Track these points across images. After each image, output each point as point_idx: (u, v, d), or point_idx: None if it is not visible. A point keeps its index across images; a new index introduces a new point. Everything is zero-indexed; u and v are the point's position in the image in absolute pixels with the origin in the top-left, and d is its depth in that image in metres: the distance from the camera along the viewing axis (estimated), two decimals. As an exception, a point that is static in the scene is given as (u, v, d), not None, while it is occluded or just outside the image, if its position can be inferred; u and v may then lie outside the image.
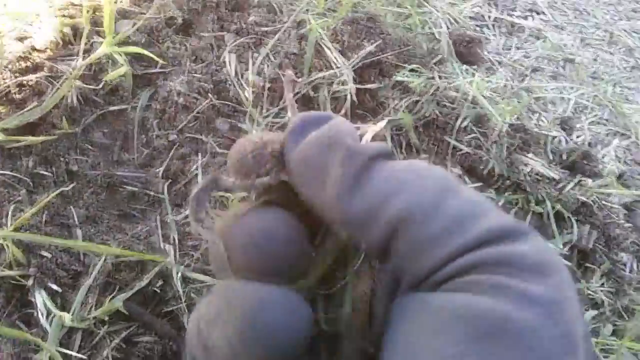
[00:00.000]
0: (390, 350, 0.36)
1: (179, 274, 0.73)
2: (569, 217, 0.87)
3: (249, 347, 0.34)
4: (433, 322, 0.34)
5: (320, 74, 0.88)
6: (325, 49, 0.92)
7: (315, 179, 0.38)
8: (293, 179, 0.40)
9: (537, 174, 0.88)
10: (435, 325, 0.34)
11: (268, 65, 0.92)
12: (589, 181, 0.91)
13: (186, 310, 0.73)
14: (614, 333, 0.77)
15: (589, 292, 0.82)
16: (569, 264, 0.83)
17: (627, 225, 0.90)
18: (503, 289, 0.33)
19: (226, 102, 0.89)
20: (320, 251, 0.43)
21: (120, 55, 0.76)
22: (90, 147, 0.86)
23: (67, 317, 0.66)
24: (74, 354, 0.66)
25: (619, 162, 0.97)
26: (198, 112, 0.88)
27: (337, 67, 0.90)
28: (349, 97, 0.88)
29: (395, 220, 0.37)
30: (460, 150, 0.90)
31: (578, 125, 1.00)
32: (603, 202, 0.90)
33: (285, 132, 0.39)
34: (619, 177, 0.95)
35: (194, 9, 0.99)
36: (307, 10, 0.99)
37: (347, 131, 0.39)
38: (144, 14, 0.98)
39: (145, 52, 0.81)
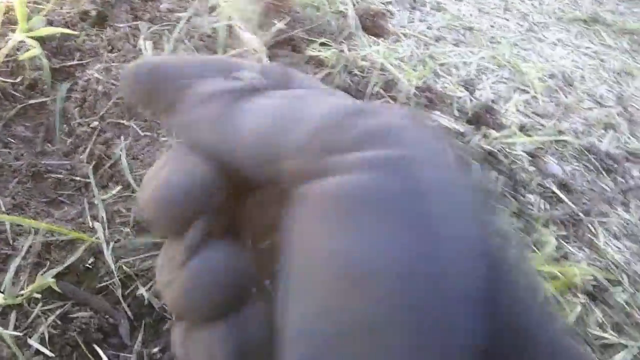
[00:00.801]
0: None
1: (110, 248, 0.75)
2: (476, 165, 0.94)
3: None
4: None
5: (234, 51, 0.92)
6: (238, 29, 0.96)
7: None
8: None
9: (444, 129, 0.95)
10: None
11: (183, 49, 0.95)
12: (493, 132, 0.99)
13: (120, 285, 0.75)
14: (523, 263, 0.84)
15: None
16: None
17: (531, 169, 0.98)
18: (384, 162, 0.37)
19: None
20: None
21: (33, 40, 0.78)
22: (12, 140, 0.87)
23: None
24: (9, 332, 0.67)
25: (521, 114, 1.05)
26: (118, 99, 0.90)
27: (250, 46, 0.94)
28: (263, 72, 0.93)
29: None
30: (373, 114, 0.96)
31: (480, 85, 1.07)
32: (507, 150, 0.97)
33: None
34: (522, 127, 1.03)
35: (107, 2, 1.01)
36: (217, -6, 1.03)
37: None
38: (58, 9, 1.00)
39: (59, 30, 0.83)
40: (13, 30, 0.92)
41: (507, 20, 1.22)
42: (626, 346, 0.83)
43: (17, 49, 0.85)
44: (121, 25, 0.99)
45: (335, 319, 0.27)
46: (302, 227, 0.36)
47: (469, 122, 1.01)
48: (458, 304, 0.23)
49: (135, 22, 1.00)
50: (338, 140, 0.37)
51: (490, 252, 0.26)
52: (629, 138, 1.10)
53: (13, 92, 0.89)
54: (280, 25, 0.97)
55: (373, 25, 1.10)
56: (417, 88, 0.97)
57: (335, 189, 0.36)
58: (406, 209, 0.31)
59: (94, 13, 1.00)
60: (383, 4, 1.16)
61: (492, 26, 1.20)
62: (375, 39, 1.08)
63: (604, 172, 1.04)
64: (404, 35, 1.12)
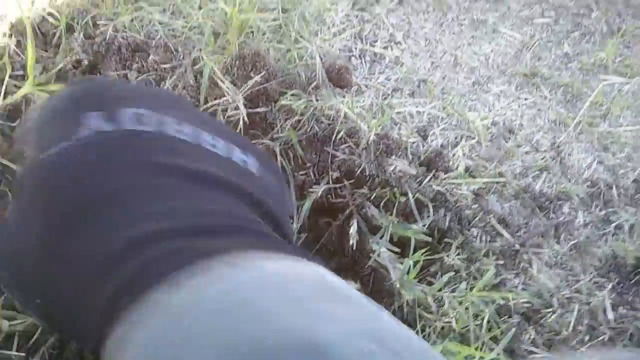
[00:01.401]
0: None
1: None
2: (427, 204, 1.07)
3: None
4: None
5: (215, 101, 1.04)
6: (219, 81, 1.09)
7: None
8: None
9: (400, 172, 1.08)
10: None
11: (170, 97, 1.07)
12: (442, 174, 1.12)
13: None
14: (468, 288, 0.97)
15: (448, 259, 1.02)
16: (429, 239, 1.03)
17: (475, 206, 1.12)
18: None
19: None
20: None
21: (42, 93, 0.89)
22: None
23: None
24: (13, 353, 0.76)
25: (467, 158, 1.19)
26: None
27: (229, 95, 1.06)
28: (241, 120, 1.05)
29: None
30: (337, 157, 1.09)
31: (432, 132, 1.22)
32: (454, 190, 1.11)
33: None
34: (467, 170, 1.17)
35: (98, 52, 1.12)
36: (200, 49, 1.15)
37: None
38: (52, 57, 1.11)
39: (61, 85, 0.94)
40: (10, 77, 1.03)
41: (457, 73, 1.38)
42: (554, 360, 0.96)
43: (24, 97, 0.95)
44: (111, 73, 1.10)
45: None
46: None
47: (421, 164, 1.15)
48: None
49: (124, 71, 1.11)
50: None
51: None
52: (559, 179, 1.26)
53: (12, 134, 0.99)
54: (256, 77, 1.10)
55: (338, 77, 1.23)
56: (376, 135, 1.11)
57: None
58: None
59: (85, 62, 1.11)
60: (347, 57, 1.30)
61: (443, 78, 1.35)
62: (340, 90, 1.21)
63: (538, 209, 1.18)
64: (366, 86, 1.26)
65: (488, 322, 0.94)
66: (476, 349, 0.87)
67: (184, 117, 0.53)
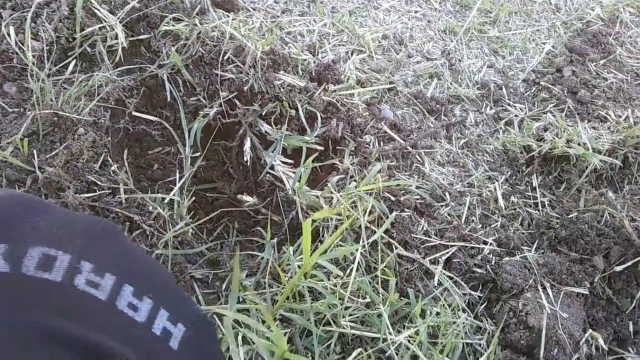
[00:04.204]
0: None
1: None
2: (318, 115, 1.09)
3: None
4: None
5: (91, 29, 1.02)
6: (95, 10, 1.06)
7: None
8: None
9: (289, 86, 1.09)
10: None
11: (45, 31, 1.04)
12: (332, 86, 1.14)
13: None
14: (356, 188, 1.00)
15: (340, 165, 1.05)
16: (321, 148, 1.05)
17: (366, 114, 1.15)
18: None
19: (11, 67, 1.00)
20: None
21: None
22: None
23: None
24: None
25: (358, 71, 1.21)
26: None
27: (106, 22, 1.04)
28: (120, 48, 1.03)
29: None
30: (226, 77, 1.09)
31: (323, 49, 1.23)
32: (345, 100, 1.14)
33: None
34: (359, 82, 1.20)
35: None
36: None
37: None
38: None
39: None
40: None
41: (346, -9, 1.39)
42: (447, 246, 1.01)
43: None
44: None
45: None
46: None
47: (312, 79, 1.16)
48: None
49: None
50: None
51: None
52: (451, 84, 1.30)
53: None
54: (134, 3, 1.07)
55: (224, 1, 1.22)
56: (263, 52, 1.11)
57: None
58: None
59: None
60: (233, -18, 1.28)
61: (332, -3, 1.36)
62: (227, 13, 1.20)
63: (429, 113, 1.23)
64: (254, 9, 1.26)
65: (379, 217, 0.98)
66: (356, 240, 0.91)
67: (113, 263, 0.49)
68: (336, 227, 0.97)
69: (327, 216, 0.78)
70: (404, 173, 1.10)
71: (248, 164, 1.05)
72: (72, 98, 0.96)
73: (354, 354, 0.79)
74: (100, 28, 1.04)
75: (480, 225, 1.09)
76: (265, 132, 1.07)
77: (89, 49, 1.05)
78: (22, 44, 1.01)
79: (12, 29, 1.03)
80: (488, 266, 1.03)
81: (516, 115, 1.29)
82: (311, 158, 1.00)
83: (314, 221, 0.98)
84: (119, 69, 1.04)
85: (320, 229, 0.97)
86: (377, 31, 1.31)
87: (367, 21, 1.34)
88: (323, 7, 1.31)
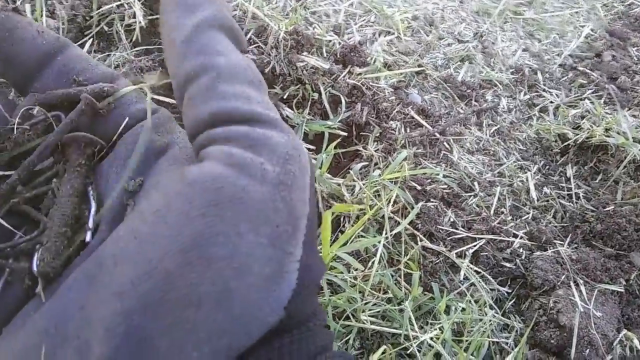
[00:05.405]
0: (138, 212, 0.44)
1: None
2: (342, 99, 1.05)
3: None
4: (183, 189, 0.43)
5: (108, 7, 0.99)
6: (114, -13, 1.03)
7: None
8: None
9: (312, 68, 1.05)
10: (184, 192, 0.43)
11: (62, 9, 1.01)
12: (358, 69, 1.09)
13: None
14: (380, 176, 0.96)
15: (364, 151, 1.01)
16: (345, 134, 1.01)
17: (392, 99, 1.10)
18: (244, 164, 0.44)
19: (27, 47, 0.98)
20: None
21: None
22: None
23: None
24: None
25: (385, 53, 1.16)
26: None
27: (125, 0, 1.01)
28: (137, 26, 1.00)
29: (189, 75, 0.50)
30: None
31: (349, 30, 1.18)
32: (371, 84, 1.09)
33: None
34: (386, 64, 1.14)
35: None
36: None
37: None
38: None
39: None
40: None
41: (375, -30, 1.33)
42: (474, 239, 0.96)
43: None
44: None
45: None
46: (165, 198, 0.44)
47: (337, 62, 1.11)
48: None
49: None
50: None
51: None
52: (483, 68, 1.24)
53: None
54: (153, -19, 1.04)
55: (247, -21, 1.18)
56: (286, 32, 1.07)
57: (210, 180, 0.44)
58: (282, 222, 0.44)
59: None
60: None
61: (360, -24, 1.30)
62: (249, -8, 1.16)
63: (459, 99, 1.17)
64: (278, -12, 1.21)
65: (404, 207, 0.93)
66: (379, 231, 0.87)
67: None
68: (358, 217, 0.93)
69: (348, 211, 0.74)
70: (430, 161, 1.05)
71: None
72: (89, 78, 0.94)
73: (379, 352, 0.75)
74: (118, 6, 1.01)
75: (510, 217, 1.04)
76: (287, 116, 1.03)
77: (106, 28, 1.02)
78: (38, 22, 0.98)
79: (27, 7, 1.00)
80: (518, 261, 0.98)
81: (551, 102, 1.23)
82: (334, 144, 0.96)
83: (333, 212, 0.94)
84: (136, 49, 1.01)
85: (341, 218, 0.93)
86: (406, 11, 1.25)
87: (396, 1, 1.29)
88: (350, -14, 1.25)
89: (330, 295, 0.79)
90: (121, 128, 0.54)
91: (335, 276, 0.80)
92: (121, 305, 0.38)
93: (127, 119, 0.54)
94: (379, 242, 0.84)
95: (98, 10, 0.99)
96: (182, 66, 0.51)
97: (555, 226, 1.06)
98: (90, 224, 0.48)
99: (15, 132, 0.51)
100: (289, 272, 0.41)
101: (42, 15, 0.98)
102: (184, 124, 0.51)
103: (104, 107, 0.54)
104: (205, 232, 0.40)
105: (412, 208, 0.94)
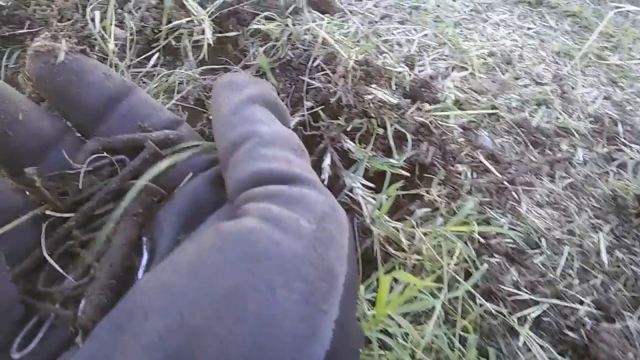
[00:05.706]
0: (170, 262, 0.43)
1: None
2: (408, 137, 0.99)
3: None
4: (217, 241, 0.43)
5: (178, 22, 0.96)
6: (184, 1, 1.01)
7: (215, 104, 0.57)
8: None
9: (379, 101, 1.00)
10: (217, 244, 0.42)
11: (131, 20, 0.99)
12: (427, 106, 1.04)
13: None
14: (444, 225, 0.90)
15: (428, 196, 0.95)
16: (408, 174, 0.95)
17: (461, 140, 1.03)
18: (279, 219, 0.44)
19: (94, 54, 0.96)
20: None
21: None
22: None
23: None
24: None
25: (457, 90, 1.10)
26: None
27: (195, 16, 0.98)
28: (205, 45, 0.97)
29: (235, 142, 0.51)
30: (313, 86, 1.01)
31: (421, 62, 1.12)
32: (439, 122, 1.03)
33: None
34: (457, 102, 1.08)
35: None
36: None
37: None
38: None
39: None
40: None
41: (453, 0, 1.27)
42: (537, 302, 0.89)
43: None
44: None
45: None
46: (198, 250, 0.44)
47: (405, 96, 1.06)
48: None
49: (82, -7, 1.04)
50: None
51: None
52: (560, 114, 1.16)
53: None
54: (225, -3, 1.01)
55: (321, 2, 1.14)
56: (356, 62, 1.02)
57: (245, 233, 0.44)
58: (317, 278, 0.41)
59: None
60: (332, -19, 1.20)
61: (438, 6, 1.25)
62: (321, 15, 1.12)
63: (532, 145, 1.10)
64: (351, 12, 1.17)
65: (464, 260, 0.87)
66: (439, 284, 0.81)
67: None
68: (414, 266, 0.87)
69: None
70: (496, 211, 0.99)
71: (325, 182, 0.97)
72: (151, 94, 0.91)
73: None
74: (187, 21, 0.98)
75: (577, 281, 0.96)
76: (348, 149, 0.98)
77: (173, 42, 0.99)
78: (105, 31, 0.97)
79: (97, 14, 0.99)
80: (582, 330, 0.90)
81: (631, 158, 1.14)
82: (396, 186, 0.90)
83: (391, 255, 0.88)
84: (202, 67, 0.98)
85: (396, 266, 0.87)
86: (483, 47, 1.19)
87: (473, 35, 1.22)
88: (426, 16, 1.20)
89: (379, 353, 0.74)
90: (185, 181, 0.53)
91: (385, 335, 0.74)
92: (148, 358, 0.37)
93: (190, 173, 0.54)
94: (437, 304, 0.78)
95: (167, 25, 0.97)
96: (228, 135, 0.52)
97: (625, 295, 0.98)
98: (140, 275, 0.46)
99: (80, 178, 0.50)
100: (323, 331, 0.39)
101: (111, 24, 0.96)
102: (227, 189, 0.51)
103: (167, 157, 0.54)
104: (236, 286, 0.39)
105: (473, 261, 0.87)
